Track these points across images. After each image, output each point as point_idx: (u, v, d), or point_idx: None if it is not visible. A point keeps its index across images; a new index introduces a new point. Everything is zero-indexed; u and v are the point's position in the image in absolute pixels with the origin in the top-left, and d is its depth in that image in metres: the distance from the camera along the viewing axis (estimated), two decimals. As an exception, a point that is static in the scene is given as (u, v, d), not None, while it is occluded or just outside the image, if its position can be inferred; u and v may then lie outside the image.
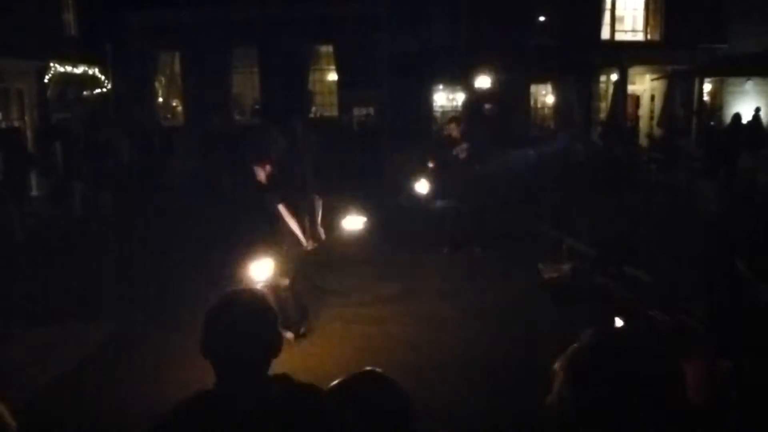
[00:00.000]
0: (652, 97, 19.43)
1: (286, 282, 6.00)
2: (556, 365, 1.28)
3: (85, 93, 17.01)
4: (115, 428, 4.50)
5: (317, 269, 8.25)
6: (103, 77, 16.95)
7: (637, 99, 19.87)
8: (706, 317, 4.88)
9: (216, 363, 1.80)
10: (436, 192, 9.33)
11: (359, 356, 5.68)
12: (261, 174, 6.14)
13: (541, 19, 18.78)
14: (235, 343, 1.78)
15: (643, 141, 18.36)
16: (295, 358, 5.22)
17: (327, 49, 19.18)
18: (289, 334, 5.95)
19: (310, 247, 6.91)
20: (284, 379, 1.85)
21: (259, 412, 1.74)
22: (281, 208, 6.16)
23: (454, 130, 9.15)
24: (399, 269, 8.41)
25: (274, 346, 1.85)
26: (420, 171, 9.55)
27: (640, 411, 1.18)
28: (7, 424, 1.70)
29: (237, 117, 19.32)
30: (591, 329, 1.30)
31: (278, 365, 1.87)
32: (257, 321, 1.83)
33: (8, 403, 1.75)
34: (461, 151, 8.94)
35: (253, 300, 1.90)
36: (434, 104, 19.45)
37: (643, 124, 19.59)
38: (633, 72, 18.62)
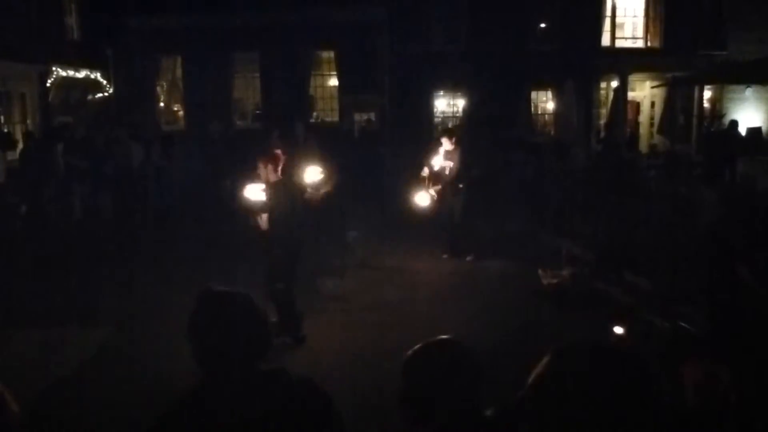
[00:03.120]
0: (653, 104, 19.45)
1: (281, 286, 5.97)
2: (530, 379, 1.27)
3: (87, 97, 17.04)
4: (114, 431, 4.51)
5: (316, 274, 8.26)
6: (104, 81, 16.99)
7: (637, 105, 19.90)
8: (706, 323, 4.89)
9: (205, 360, 1.81)
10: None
11: (357, 361, 5.69)
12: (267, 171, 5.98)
13: (542, 25, 18.83)
14: (223, 340, 1.79)
15: (643, 147, 18.37)
16: (293, 363, 5.22)
17: (328, 54, 19.21)
18: (287, 339, 5.96)
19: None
20: (280, 373, 1.86)
21: (255, 407, 1.75)
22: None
23: (446, 144, 8.88)
24: (398, 274, 8.42)
25: (262, 340, 1.85)
26: (417, 180, 9.29)
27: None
28: (10, 410, 1.70)
29: (238, 122, 19.36)
30: (562, 344, 1.29)
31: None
32: (242, 316, 1.83)
33: (11, 392, 1.76)
34: (447, 168, 8.80)
35: (235, 296, 1.89)
36: (435, 110, 19.48)
37: (644, 131, 19.62)
38: (633, 78, 18.65)
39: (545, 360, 1.25)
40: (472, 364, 1.84)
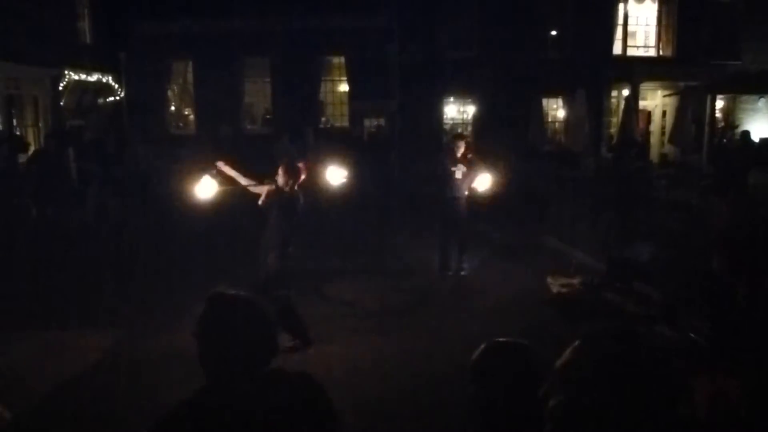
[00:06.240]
0: (664, 113, 19.36)
1: (284, 292, 5.95)
2: (558, 363, 1.26)
3: (99, 101, 17.15)
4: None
5: (323, 278, 8.24)
6: (116, 85, 17.10)
7: (648, 115, 19.81)
8: (716, 335, 4.82)
9: (212, 364, 1.79)
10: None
11: (363, 366, 5.66)
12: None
13: (553, 32, 18.80)
14: (232, 344, 1.78)
15: (654, 157, 18.28)
16: (298, 368, 5.19)
17: (339, 60, 19.28)
18: (291, 343, 5.94)
19: None
20: (279, 372, 1.86)
21: (256, 409, 1.75)
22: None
23: (460, 148, 8.56)
24: (403, 280, 8.38)
25: (270, 346, 1.85)
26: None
27: (633, 419, 1.14)
28: (2, 417, 1.71)
29: (248, 126, 19.43)
30: (590, 330, 1.28)
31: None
32: (253, 320, 1.83)
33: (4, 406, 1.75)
34: (459, 171, 8.43)
35: (246, 300, 1.89)
36: (445, 116, 19.47)
37: (655, 140, 19.52)
38: (645, 88, 18.57)
39: (574, 345, 1.25)
40: (538, 365, 1.76)
